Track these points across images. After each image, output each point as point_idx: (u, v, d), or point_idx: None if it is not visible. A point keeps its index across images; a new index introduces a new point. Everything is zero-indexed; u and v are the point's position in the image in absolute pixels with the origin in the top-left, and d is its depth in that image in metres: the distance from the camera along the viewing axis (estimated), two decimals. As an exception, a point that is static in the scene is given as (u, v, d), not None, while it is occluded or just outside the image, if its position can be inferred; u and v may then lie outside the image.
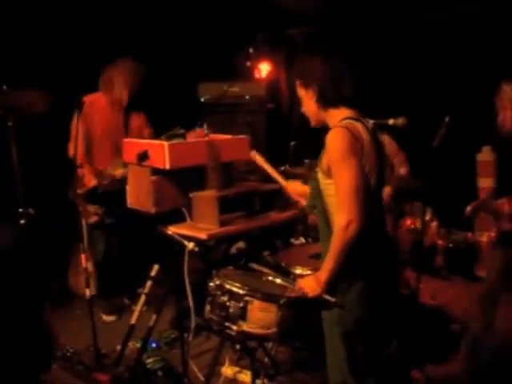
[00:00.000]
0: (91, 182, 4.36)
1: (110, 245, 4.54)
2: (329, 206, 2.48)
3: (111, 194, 4.28)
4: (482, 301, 3.39)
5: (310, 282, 2.53)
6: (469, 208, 3.26)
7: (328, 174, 2.43)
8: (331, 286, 2.46)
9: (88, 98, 4.16)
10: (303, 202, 2.92)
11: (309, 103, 2.53)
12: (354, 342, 2.47)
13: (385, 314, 2.55)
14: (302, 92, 2.55)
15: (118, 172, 4.25)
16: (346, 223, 2.33)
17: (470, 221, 4.99)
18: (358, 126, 2.41)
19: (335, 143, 2.36)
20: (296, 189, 3.06)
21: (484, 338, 3.40)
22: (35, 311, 3.64)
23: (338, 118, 2.46)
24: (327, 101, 2.47)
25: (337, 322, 2.48)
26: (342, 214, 2.36)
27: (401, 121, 3.30)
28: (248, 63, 5.93)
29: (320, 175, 2.48)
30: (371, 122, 2.61)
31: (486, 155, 5.04)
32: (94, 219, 4.34)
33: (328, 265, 2.43)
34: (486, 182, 5.01)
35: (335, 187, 2.39)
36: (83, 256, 3.60)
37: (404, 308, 3.22)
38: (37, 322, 3.61)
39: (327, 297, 2.52)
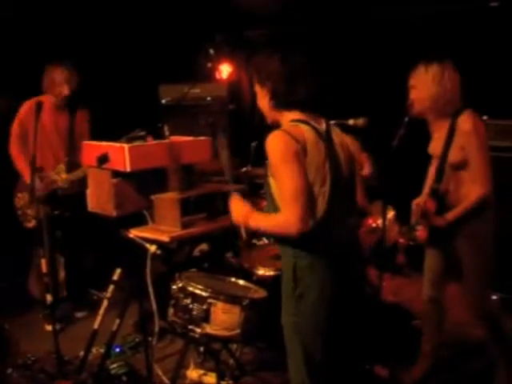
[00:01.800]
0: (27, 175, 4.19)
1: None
2: (278, 203, 2.46)
3: (71, 197, 4.25)
4: (431, 302, 3.46)
5: (240, 210, 2.53)
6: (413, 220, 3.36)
7: (274, 177, 2.42)
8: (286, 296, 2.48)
9: (32, 101, 4.26)
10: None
11: (263, 100, 2.52)
12: (312, 347, 2.46)
13: (345, 312, 2.54)
14: (257, 88, 2.54)
15: (61, 178, 4.24)
16: (286, 223, 2.33)
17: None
18: (303, 128, 2.39)
19: (272, 147, 2.35)
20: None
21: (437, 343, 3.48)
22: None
23: (287, 119, 2.46)
24: (279, 102, 2.46)
25: (294, 328, 2.47)
26: (284, 214, 2.34)
27: (361, 121, 3.33)
28: (209, 64, 5.92)
29: (270, 179, 2.46)
30: (332, 122, 2.62)
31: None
32: (32, 223, 4.27)
33: (257, 224, 2.46)
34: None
35: (278, 189, 2.38)
36: (43, 261, 3.55)
37: (366, 307, 3.25)
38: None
39: (243, 232, 2.67)
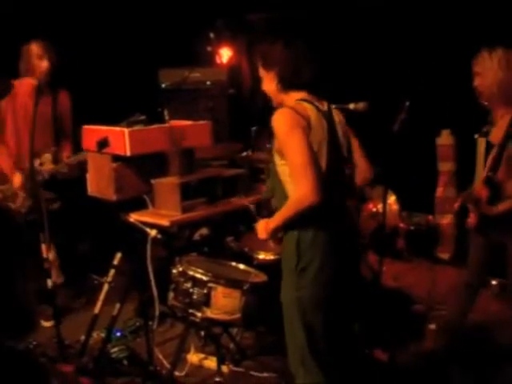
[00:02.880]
0: (13, 176, 4.06)
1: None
2: (286, 186, 2.52)
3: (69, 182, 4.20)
4: (462, 289, 3.43)
5: (261, 226, 2.62)
6: (456, 204, 3.29)
7: (281, 154, 2.50)
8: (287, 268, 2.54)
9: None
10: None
11: (269, 84, 2.61)
12: (313, 322, 2.51)
13: (344, 293, 2.60)
14: (263, 73, 2.64)
15: (47, 168, 4.08)
16: (301, 196, 2.40)
17: (431, 204, 5.07)
18: (307, 106, 2.50)
19: (279, 122, 2.46)
20: None
21: (458, 325, 3.45)
22: None
23: (293, 99, 2.55)
24: (287, 84, 2.56)
25: (296, 304, 2.51)
26: (297, 188, 2.41)
27: (361, 105, 3.31)
28: (209, 48, 5.89)
29: (276, 157, 2.55)
30: (333, 106, 2.65)
31: (445, 139, 5.11)
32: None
33: (277, 221, 2.53)
34: (445, 166, 5.08)
35: (288, 163, 2.45)
36: (44, 246, 3.54)
37: (367, 290, 3.26)
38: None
39: (271, 244, 2.77)
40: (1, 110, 4.15)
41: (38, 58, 4.12)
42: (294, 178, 2.42)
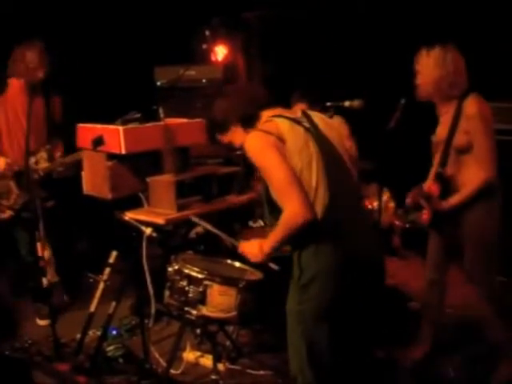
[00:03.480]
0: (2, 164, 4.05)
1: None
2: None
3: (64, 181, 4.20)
4: (428, 287, 3.47)
5: (253, 248, 2.57)
6: (408, 200, 3.34)
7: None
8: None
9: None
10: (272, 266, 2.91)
11: (239, 135, 2.58)
12: (315, 338, 2.46)
13: (350, 309, 2.52)
14: (226, 137, 2.63)
15: (42, 167, 4.11)
16: (290, 216, 2.34)
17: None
18: (276, 120, 2.46)
19: (249, 148, 2.43)
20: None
21: (437, 321, 3.49)
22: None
23: (263, 121, 2.53)
24: (249, 122, 2.54)
25: (298, 318, 2.48)
26: (285, 208, 2.36)
27: (356, 103, 3.32)
28: (204, 46, 5.88)
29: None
30: (328, 104, 2.64)
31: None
32: (7, 214, 4.07)
33: (272, 242, 2.47)
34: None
35: (270, 187, 2.42)
36: (39, 244, 3.55)
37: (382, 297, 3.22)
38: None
39: (272, 265, 2.71)
40: None
41: (32, 66, 4.04)
42: (280, 200, 2.37)
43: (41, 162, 4.13)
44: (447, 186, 3.16)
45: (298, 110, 2.62)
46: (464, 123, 3.08)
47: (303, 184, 2.35)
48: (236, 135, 2.59)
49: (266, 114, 2.53)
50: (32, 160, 4.06)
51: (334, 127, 2.61)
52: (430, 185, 3.24)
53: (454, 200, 3.11)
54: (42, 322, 4.11)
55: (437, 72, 3.09)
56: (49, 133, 4.26)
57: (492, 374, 3.24)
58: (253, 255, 2.58)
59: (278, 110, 2.55)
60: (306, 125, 2.48)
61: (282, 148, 2.37)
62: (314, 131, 2.47)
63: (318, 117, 2.57)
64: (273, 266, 2.76)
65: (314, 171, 2.37)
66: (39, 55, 4.06)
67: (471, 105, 3.07)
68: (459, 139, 3.10)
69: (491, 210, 3.15)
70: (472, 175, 3.08)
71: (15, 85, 4.11)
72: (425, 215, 3.20)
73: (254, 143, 2.42)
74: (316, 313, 2.44)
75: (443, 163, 3.18)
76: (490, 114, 3.11)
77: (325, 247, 2.38)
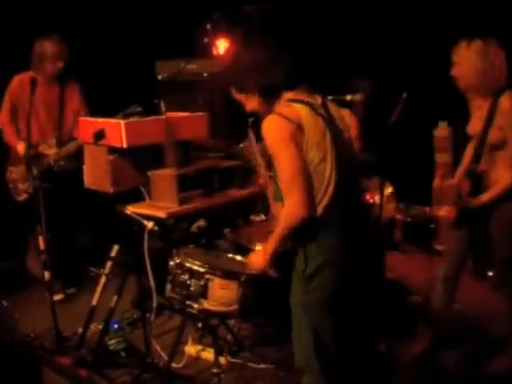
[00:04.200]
0: (17, 144, 4.29)
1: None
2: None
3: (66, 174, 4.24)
4: (440, 282, 3.45)
5: (256, 257, 2.62)
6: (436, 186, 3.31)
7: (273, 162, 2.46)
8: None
9: (21, 75, 4.32)
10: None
11: (252, 102, 2.56)
12: (321, 329, 2.48)
13: (358, 297, 2.56)
14: (240, 97, 2.59)
15: (51, 152, 4.26)
16: (289, 212, 2.37)
17: (428, 195, 5.07)
18: (297, 106, 2.41)
19: (267, 132, 2.40)
20: None
21: (445, 316, 3.48)
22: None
23: (283, 102, 2.48)
24: (267, 95, 2.50)
25: (304, 309, 2.49)
26: (285, 203, 2.38)
27: (358, 97, 3.32)
28: (205, 40, 5.86)
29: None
30: (329, 98, 2.62)
31: (442, 130, 5.09)
32: (23, 197, 4.32)
33: (271, 244, 2.51)
34: (442, 157, 5.07)
35: (277, 176, 2.42)
36: (41, 238, 3.55)
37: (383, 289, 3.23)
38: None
39: (271, 272, 2.71)
40: (12, 99, 4.36)
41: (51, 60, 4.22)
42: (282, 192, 2.39)
43: (51, 147, 4.30)
44: (479, 183, 3.12)
45: (317, 96, 2.55)
46: (499, 119, 3.03)
47: (317, 176, 2.37)
48: (250, 100, 2.56)
49: (287, 95, 2.48)
50: (43, 147, 4.30)
51: (344, 119, 2.61)
52: (460, 181, 3.20)
53: (485, 198, 3.08)
54: (56, 297, 4.17)
55: (480, 63, 3.03)
56: (59, 122, 4.38)
57: (491, 362, 3.25)
58: (257, 265, 2.62)
59: (300, 94, 2.48)
60: (324, 115, 2.46)
61: (301, 138, 2.36)
62: (330, 122, 2.47)
63: (333, 107, 2.57)
64: (272, 273, 2.76)
65: (328, 164, 2.39)
66: (58, 47, 4.23)
67: (507, 101, 3.03)
68: (493, 135, 3.05)
69: None
70: (504, 173, 3.05)
71: (23, 78, 4.27)
72: (449, 213, 3.17)
73: (273, 130, 2.38)
74: (322, 303, 2.46)
75: (476, 160, 3.12)
76: None
77: (329, 239, 2.41)
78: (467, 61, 3.08)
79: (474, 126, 3.19)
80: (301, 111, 2.40)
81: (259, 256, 2.60)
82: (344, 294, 2.50)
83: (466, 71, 3.09)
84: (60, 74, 4.34)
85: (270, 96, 2.50)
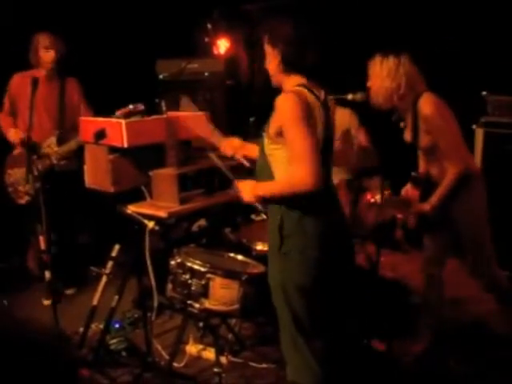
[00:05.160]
0: (8, 131, 4.32)
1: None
2: (275, 172, 2.53)
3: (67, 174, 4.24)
4: (426, 279, 3.49)
5: (247, 188, 2.62)
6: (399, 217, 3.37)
7: (275, 139, 2.48)
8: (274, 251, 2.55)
9: (21, 74, 4.37)
10: (244, 162, 2.99)
11: (272, 62, 2.58)
12: (296, 307, 2.52)
13: (334, 281, 2.58)
14: (268, 49, 2.59)
15: (53, 151, 4.26)
16: (300, 179, 2.39)
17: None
18: (306, 93, 2.47)
19: (288, 107, 2.41)
20: (231, 143, 3.05)
21: (438, 310, 3.49)
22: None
23: (293, 83, 2.52)
24: (289, 65, 2.52)
25: (281, 286, 2.53)
26: (298, 170, 2.39)
27: (359, 96, 3.31)
28: (206, 39, 5.86)
29: (266, 140, 2.53)
30: (331, 97, 2.64)
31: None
32: (24, 199, 4.27)
33: (266, 192, 2.53)
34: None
35: (289, 147, 2.42)
36: (41, 238, 3.54)
37: (364, 280, 3.26)
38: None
39: (258, 205, 2.79)
40: (12, 96, 4.40)
41: (44, 49, 4.31)
42: (296, 164, 2.39)
43: (51, 146, 4.29)
44: (428, 187, 3.18)
45: (322, 91, 2.58)
46: (423, 125, 3.09)
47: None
48: (272, 58, 2.56)
49: (294, 79, 2.53)
50: (45, 144, 4.29)
51: (335, 117, 2.68)
52: (406, 190, 3.28)
53: (434, 199, 3.13)
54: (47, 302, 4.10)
55: (387, 84, 3.08)
56: (61, 119, 4.40)
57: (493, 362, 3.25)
58: (245, 193, 2.62)
59: (306, 80, 2.52)
60: (323, 107, 2.51)
61: (311, 120, 2.42)
62: (326, 116, 2.52)
63: (332, 105, 2.63)
64: (258, 206, 2.83)
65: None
66: (49, 38, 4.30)
67: (425, 105, 3.06)
68: (424, 140, 3.12)
69: (477, 196, 3.16)
70: (445, 171, 3.10)
71: (32, 74, 4.22)
72: (410, 221, 3.23)
73: (291, 106, 2.40)
74: (297, 284, 2.50)
75: (416, 166, 3.22)
76: (445, 109, 3.10)
77: (308, 218, 2.47)
78: (378, 79, 3.12)
79: (407, 134, 3.24)
80: (309, 98, 2.46)
81: (249, 187, 2.61)
82: (321, 278, 2.52)
83: (376, 88, 3.14)
84: (59, 71, 4.37)
85: (290, 68, 2.52)
